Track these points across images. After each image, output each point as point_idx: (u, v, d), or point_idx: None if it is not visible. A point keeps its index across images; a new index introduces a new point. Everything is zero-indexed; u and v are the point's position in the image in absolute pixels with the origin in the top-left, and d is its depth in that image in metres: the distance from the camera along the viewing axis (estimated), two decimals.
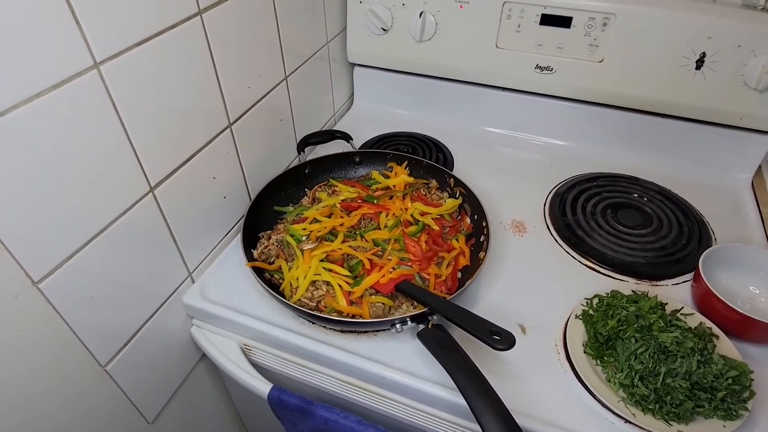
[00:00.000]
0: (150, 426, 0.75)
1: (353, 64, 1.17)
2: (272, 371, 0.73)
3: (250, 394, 0.70)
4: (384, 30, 1.04)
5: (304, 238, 0.78)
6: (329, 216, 0.82)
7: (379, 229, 0.80)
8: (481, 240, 0.77)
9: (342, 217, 0.81)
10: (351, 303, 0.68)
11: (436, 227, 0.80)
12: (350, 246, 0.75)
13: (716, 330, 0.64)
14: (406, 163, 0.92)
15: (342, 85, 1.17)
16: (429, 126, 1.11)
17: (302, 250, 0.75)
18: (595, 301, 0.69)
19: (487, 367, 0.63)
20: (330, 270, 0.72)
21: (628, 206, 0.88)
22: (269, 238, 0.80)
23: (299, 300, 0.70)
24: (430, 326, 0.63)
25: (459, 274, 0.75)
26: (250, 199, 0.84)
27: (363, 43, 1.08)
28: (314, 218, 0.81)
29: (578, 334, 0.66)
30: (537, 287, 0.75)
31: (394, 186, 0.88)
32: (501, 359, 0.65)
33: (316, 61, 0.99)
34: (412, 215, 0.82)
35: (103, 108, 0.53)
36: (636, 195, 0.90)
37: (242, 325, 0.71)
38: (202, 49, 0.66)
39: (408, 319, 0.64)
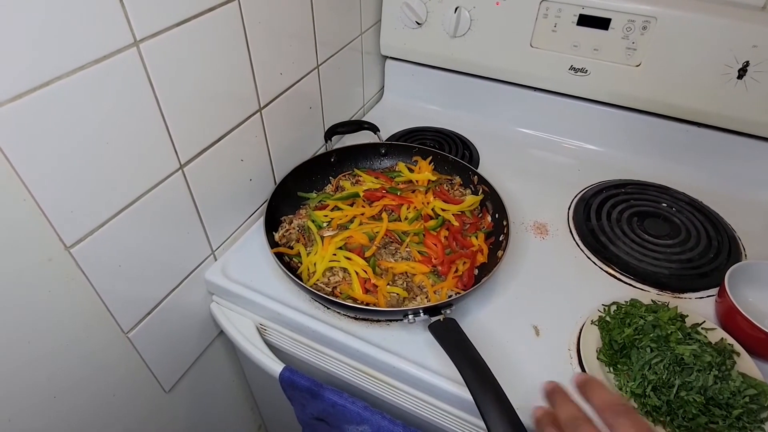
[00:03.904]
0: (166, 395, 0.78)
1: (385, 57, 1.17)
2: (285, 352, 0.75)
3: (263, 372, 0.72)
4: (418, 24, 1.04)
5: (324, 224, 0.79)
6: (351, 205, 0.83)
7: (400, 220, 0.81)
8: (501, 239, 0.77)
9: (363, 206, 0.82)
10: (366, 291, 0.69)
11: (456, 223, 0.80)
12: (364, 233, 0.76)
13: (738, 347, 0.62)
14: (430, 158, 0.92)
15: (373, 77, 1.18)
16: (458, 123, 1.10)
17: (322, 237, 0.76)
18: (613, 308, 0.68)
19: (497, 365, 0.63)
20: (348, 259, 0.73)
21: (655, 215, 0.86)
22: (291, 222, 0.82)
23: (315, 284, 0.71)
24: (442, 319, 0.63)
25: (476, 271, 0.75)
26: (275, 183, 0.86)
27: (396, 36, 1.09)
28: (336, 206, 0.82)
29: (593, 340, 0.65)
30: (554, 290, 0.74)
31: (417, 180, 0.88)
32: (511, 359, 0.65)
33: (348, 51, 1.00)
34: (433, 209, 0.82)
35: (140, 85, 0.55)
36: (665, 204, 0.88)
37: (259, 305, 0.73)
38: (238, 32, 0.67)
39: (421, 311, 0.64)
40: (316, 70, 0.90)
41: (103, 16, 0.49)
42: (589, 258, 0.79)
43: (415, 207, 0.82)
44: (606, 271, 0.77)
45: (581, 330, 0.67)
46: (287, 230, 0.80)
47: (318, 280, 0.71)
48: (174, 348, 0.76)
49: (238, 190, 0.79)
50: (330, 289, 0.71)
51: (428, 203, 0.83)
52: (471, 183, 0.88)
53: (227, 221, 0.79)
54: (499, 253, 0.73)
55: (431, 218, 0.81)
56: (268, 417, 1.11)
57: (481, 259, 0.76)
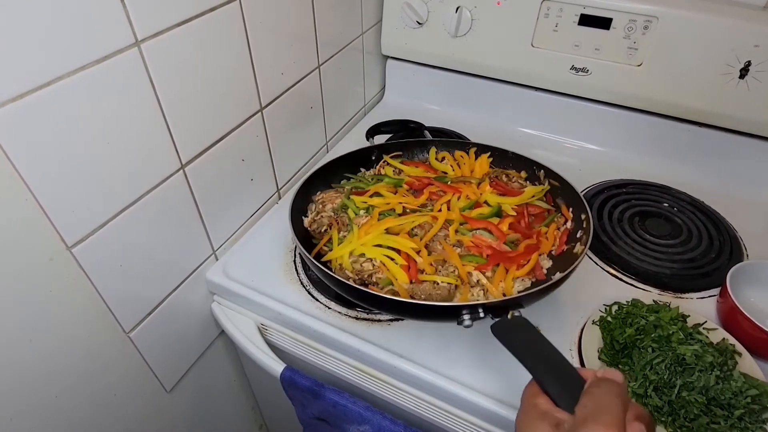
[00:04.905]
0: (168, 395, 0.78)
1: (386, 57, 1.17)
2: (286, 352, 0.75)
3: (264, 372, 0.72)
4: (419, 23, 1.04)
5: (362, 212, 0.74)
6: (394, 193, 0.77)
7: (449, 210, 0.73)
8: (579, 235, 0.70)
9: (405, 195, 0.77)
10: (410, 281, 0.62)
11: (512, 212, 0.73)
12: (412, 221, 0.70)
13: (740, 347, 0.62)
14: (489, 153, 0.86)
15: (374, 77, 1.18)
16: (458, 122, 1.10)
17: (359, 225, 0.70)
18: (614, 308, 0.68)
19: (493, 364, 0.63)
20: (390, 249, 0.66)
21: (657, 215, 0.86)
22: (323, 203, 0.77)
23: (344, 273, 0.66)
24: (510, 317, 0.51)
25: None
26: (276, 183, 0.86)
27: (397, 35, 1.09)
28: (376, 192, 0.77)
29: (594, 340, 0.65)
30: (555, 290, 0.74)
31: (465, 174, 0.82)
32: (512, 359, 0.65)
33: (349, 51, 1.00)
34: (486, 201, 0.76)
35: (141, 85, 0.55)
36: (666, 204, 0.88)
37: (260, 305, 0.73)
38: (239, 33, 0.67)
39: (481, 309, 0.51)
40: (317, 69, 0.90)
41: (104, 16, 0.49)
42: (590, 258, 0.79)
43: (467, 196, 0.76)
44: (607, 271, 0.77)
45: (582, 330, 0.67)
46: (318, 214, 0.75)
47: (347, 269, 0.65)
48: (175, 348, 0.76)
49: (239, 190, 0.79)
50: (358, 278, 0.64)
51: (481, 194, 0.76)
52: (537, 179, 0.82)
53: (228, 221, 0.79)
54: (579, 247, 0.67)
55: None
56: (269, 417, 1.11)
57: (546, 246, 0.69)
